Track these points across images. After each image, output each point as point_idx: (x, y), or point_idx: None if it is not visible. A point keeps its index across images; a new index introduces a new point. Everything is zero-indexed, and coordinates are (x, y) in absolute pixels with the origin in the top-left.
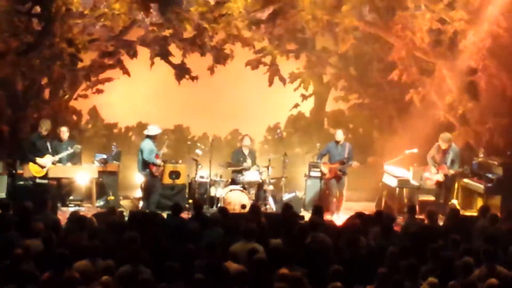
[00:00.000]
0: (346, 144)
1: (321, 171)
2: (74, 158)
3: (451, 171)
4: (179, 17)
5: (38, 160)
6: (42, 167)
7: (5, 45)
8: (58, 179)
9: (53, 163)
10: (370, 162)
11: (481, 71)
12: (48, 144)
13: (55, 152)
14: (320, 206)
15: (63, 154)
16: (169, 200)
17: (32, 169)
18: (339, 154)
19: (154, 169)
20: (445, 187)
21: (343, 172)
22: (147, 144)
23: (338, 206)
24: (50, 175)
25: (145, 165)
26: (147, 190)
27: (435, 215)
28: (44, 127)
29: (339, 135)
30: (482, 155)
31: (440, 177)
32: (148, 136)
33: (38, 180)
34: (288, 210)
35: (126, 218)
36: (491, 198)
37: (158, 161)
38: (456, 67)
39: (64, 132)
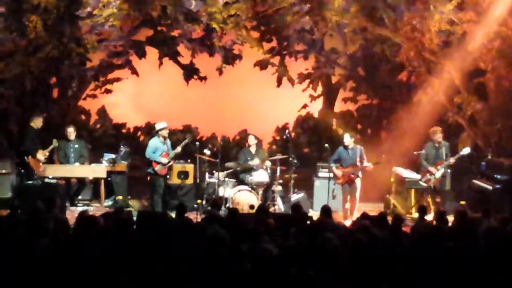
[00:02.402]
0: (357, 147)
1: (334, 175)
2: (82, 158)
3: (452, 160)
4: (187, 18)
5: (37, 155)
6: (40, 161)
7: (13, 45)
8: (66, 179)
9: (45, 158)
10: (384, 160)
11: (490, 72)
12: (65, 143)
13: (63, 152)
14: (328, 206)
15: (49, 148)
16: (177, 200)
17: (33, 164)
18: (350, 158)
19: (156, 167)
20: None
21: (356, 175)
22: (152, 141)
23: (351, 210)
24: (59, 174)
25: (149, 163)
26: (151, 189)
27: (444, 216)
28: (38, 122)
29: (347, 139)
30: (490, 156)
31: (442, 171)
32: (157, 133)
33: (46, 180)
34: (297, 210)
35: (135, 218)
36: (500, 199)
37: (163, 160)
38: (465, 69)
39: (71, 132)
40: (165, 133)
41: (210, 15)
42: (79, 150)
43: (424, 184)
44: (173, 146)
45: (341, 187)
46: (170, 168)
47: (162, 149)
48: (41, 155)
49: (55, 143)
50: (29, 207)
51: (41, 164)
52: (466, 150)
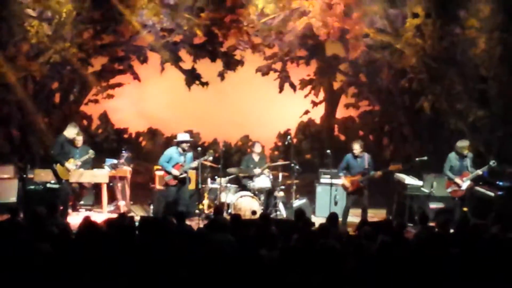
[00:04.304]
0: (365, 155)
1: (343, 185)
2: (86, 164)
3: (479, 172)
4: (189, 23)
5: (66, 163)
6: (68, 170)
7: (15, 49)
8: (69, 184)
9: (76, 167)
10: (393, 169)
11: (492, 78)
12: (76, 150)
13: (67, 157)
14: (335, 214)
15: (84, 158)
16: (179, 205)
17: (60, 172)
18: (358, 166)
19: (166, 177)
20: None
21: (365, 184)
22: (168, 150)
23: (364, 218)
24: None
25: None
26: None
27: (447, 223)
28: (75, 131)
29: (357, 148)
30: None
31: (468, 183)
32: (177, 144)
33: (48, 185)
34: (300, 216)
35: (137, 224)
36: (502, 206)
37: (174, 171)
38: (467, 75)
39: (79, 141)
40: (185, 146)
41: (211, 20)
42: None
43: (426, 191)
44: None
45: (345, 195)
46: (182, 180)
47: (177, 160)
48: (72, 164)
49: (91, 154)
50: (31, 212)
51: (69, 173)
52: (493, 163)
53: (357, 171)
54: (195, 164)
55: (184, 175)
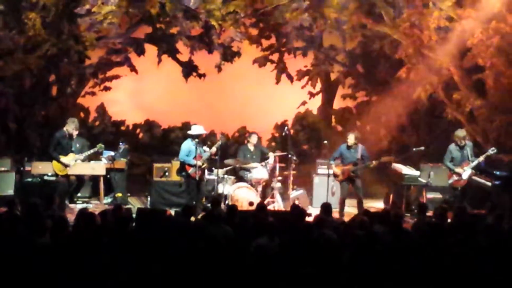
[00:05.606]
0: (358, 146)
1: (334, 173)
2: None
3: (480, 159)
4: (186, 15)
5: (63, 159)
6: (66, 165)
7: (12, 43)
8: (66, 176)
9: (75, 161)
10: (385, 160)
11: (488, 69)
12: (72, 143)
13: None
14: (328, 204)
15: (88, 153)
16: (176, 197)
17: (56, 168)
18: (351, 156)
19: (190, 170)
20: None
21: (356, 174)
22: (185, 144)
23: (359, 208)
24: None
25: (182, 166)
26: (186, 191)
27: (445, 213)
28: (73, 126)
29: (351, 139)
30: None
31: (469, 172)
32: (190, 136)
33: (46, 177)
34: (296, 209)
35: (134, 215)
36: (499, 195)
37: (198, 162)
38: (464, 65)
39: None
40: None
41: (208, 12)
42: (81, 148)
43: (423, 181)
44: (176, 144)
45: (339, 184)
46: (203, 171)
47: (196, 152)
48: (71, 159)
49: (99, 147)
50: (28, 204)
51: (66, 168)
52: (492, 150)
53: (349, 161)
54: (213, 150)
55: (205, 164)
